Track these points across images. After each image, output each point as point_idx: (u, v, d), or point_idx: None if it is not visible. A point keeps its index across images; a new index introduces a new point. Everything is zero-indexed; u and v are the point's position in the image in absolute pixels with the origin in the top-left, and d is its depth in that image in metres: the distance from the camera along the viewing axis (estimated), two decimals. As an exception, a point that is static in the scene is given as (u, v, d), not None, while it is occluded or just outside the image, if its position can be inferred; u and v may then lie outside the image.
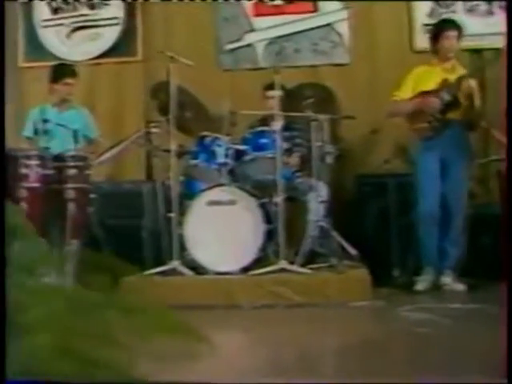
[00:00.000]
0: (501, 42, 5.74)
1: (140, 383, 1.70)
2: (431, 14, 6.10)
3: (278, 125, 5.29)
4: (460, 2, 6.05)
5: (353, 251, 4.95)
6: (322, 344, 3.36)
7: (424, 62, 5.91)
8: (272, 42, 6.24)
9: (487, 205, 5.73)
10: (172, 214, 4.91)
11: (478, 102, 5.03)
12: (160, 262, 4.86)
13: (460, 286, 4.91)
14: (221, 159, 4.97)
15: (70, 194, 4.79)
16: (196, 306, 4.52)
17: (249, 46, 6.26)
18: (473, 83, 4.96)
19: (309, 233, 4.95)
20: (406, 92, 5.08)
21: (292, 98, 5.02)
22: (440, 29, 5.02)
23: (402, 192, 5.43)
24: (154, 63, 6.24)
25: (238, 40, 6.26)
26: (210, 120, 5.09)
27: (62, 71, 5.42)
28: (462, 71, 5.05)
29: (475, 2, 6.02)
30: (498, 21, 5.94)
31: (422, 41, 6.08)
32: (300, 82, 5.29)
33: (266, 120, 5.51)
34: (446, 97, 4.95)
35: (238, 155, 4.99)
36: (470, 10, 6.00)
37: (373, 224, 5.56)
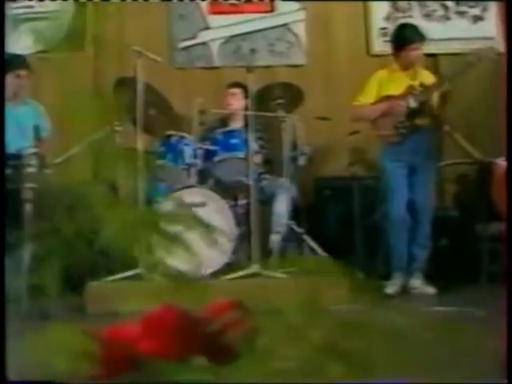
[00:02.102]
0: (458, 48, 5.82)
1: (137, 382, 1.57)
2: (388, 18, 6.11)
3: (239, 125, 5.19)
4: (417, 8, 6.09)
5: (324, 255, 4.85)
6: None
7: (380, 66, 5.92)
8: (227, 40, 6.09)
9: (443, 208, 5.78)
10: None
11: (443, 107, 5.02)
12: (124, 267, 4.63)
13: (430, 289, 4.89)
14: (189, 160, 4.78)
15: (28, 194, 4.49)
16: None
17: (203, 44, 6.09)
18: (440, 89, 4.95)
19: (277, 236, 4.85)
20: (369, 96, 5.00)
21: (262, 98, 4.87)
22: (409, 40, 4.89)
23: (364, 195, 5.40)
24: (105, 59, 6.01)
25: (192, 38, 6.07)
26: (176, 118, 4.90)
27: (14, 62, 5.06)
28: (426, 77, 5.04)
29: (432, 8, 6.08)
30: (455, 26, 6.02)
31: (379, 44, 6.11)
32: (269, 82, 5.15)
33: (225, 120, 5.38)
34: (412, 103, 4.89)
35: (207, 155, 4.82)
36: (427, 15, 6.04)
37: (336, 227, 5.49)
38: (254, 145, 4.73)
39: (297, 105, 5.09)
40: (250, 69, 4.73)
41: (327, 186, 5.65)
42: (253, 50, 4.84)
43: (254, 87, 4.76)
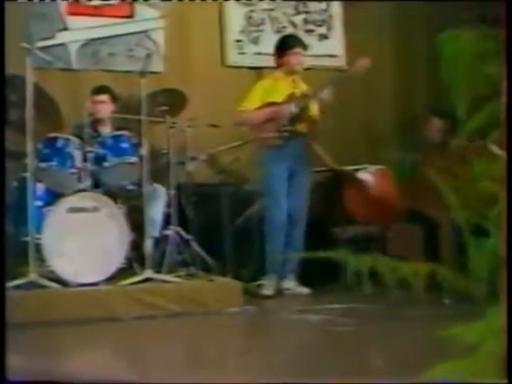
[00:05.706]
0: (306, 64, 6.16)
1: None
2: (243, 31, 6.37)
3: (108, 129, 5.18)
4: (269, 23, 6.41)
5: (209, 260, 4.96)
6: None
7: (235, 77, 6.22)
8: (86, 43, 5.97)
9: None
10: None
11: (317, 116, 5.38)
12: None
13: (304, 290, 5.21)
14: (78, 163, 4.65)
15: None
16: (67, 321, 4.21)
17: (62, 45, 5.91)
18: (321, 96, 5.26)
19: (152, 241, 4.90)
20: (253, 102, 5.25)
21: (147, 104, 4.86)
22: (288, 45, 5.29)
23: (233, 201, 5.60)
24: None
25: (50, 38, 5.87)
26: (62, 120, 4.76)
27: None
28: (304, 86, 5.37)
29: (282, 25, 6.44)
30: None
31: (234, 56, 6.34)
32: (156, 88, 5.14)
33: (94, 124, 5.29)
34: (294, 109, 5.22)
35: (96, 160, 4.72)
36: (278, 32, 6.38)
37: (204, 233, 5.58)
38: (145, 150, 4.75)
39: (180, 110, 5.16)
40: (142, 74, 4.76)
41: (196, 192, 5.72)
42: (148, 55, 4.86)
43: (144, 92, 4.80)
